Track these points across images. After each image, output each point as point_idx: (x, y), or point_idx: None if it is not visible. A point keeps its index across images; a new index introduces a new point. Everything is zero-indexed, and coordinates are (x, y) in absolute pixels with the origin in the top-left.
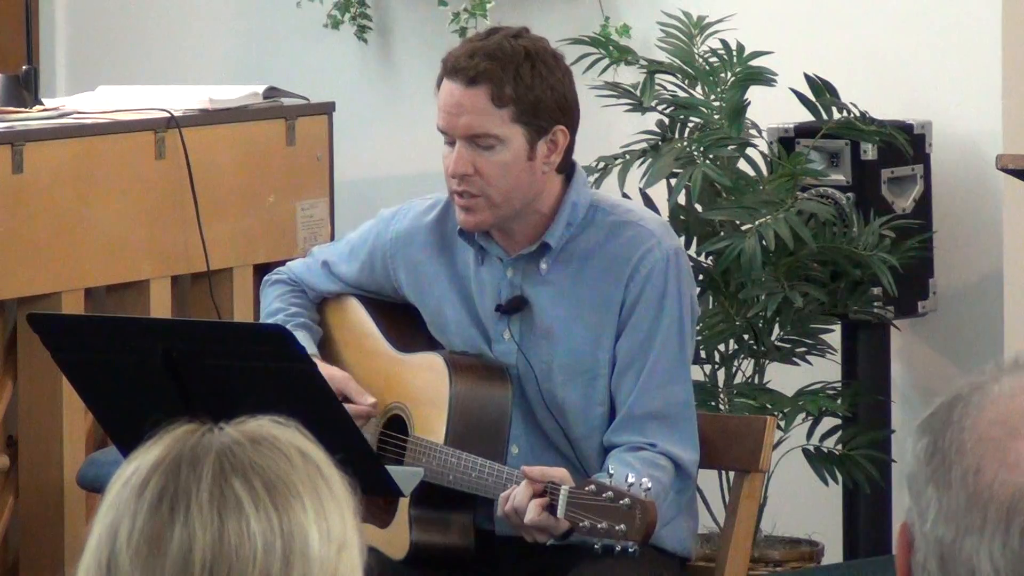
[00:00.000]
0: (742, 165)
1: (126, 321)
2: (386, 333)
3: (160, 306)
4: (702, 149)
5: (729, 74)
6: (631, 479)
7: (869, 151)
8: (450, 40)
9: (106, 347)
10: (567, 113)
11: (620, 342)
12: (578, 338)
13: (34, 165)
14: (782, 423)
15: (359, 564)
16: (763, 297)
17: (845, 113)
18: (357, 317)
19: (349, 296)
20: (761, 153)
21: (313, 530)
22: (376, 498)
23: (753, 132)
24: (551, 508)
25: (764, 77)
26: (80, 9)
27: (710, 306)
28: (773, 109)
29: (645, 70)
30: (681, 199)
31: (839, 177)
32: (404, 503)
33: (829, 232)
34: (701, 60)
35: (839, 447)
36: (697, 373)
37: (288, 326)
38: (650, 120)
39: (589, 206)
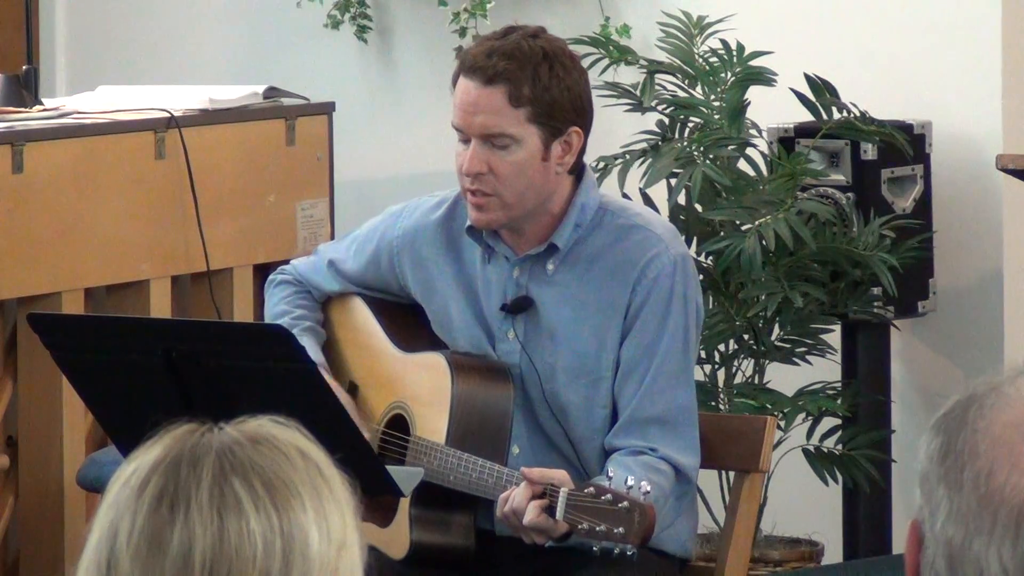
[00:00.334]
0: (742, 165)
1: (126, 321)
2: (389, 332)
3: (160, 306)
4: (702, 149)
5: (729, 74)
6: (630, 482)
7: (869, 151)
8: (450, 40)
9: (106, 347)
10: (582, 114)
11: (624, 346)
12: (582, 340)
13: (34, 165)
14: (782, 423)
15: (359, 564)
16: (763, 297)
17: (845, 113)
18: (361, 316)
19: (353, 295)
20: (761, 153)
21: (313, 530)
22: (377, 497)
23: (753, 132)
24: (550, 510)
25: (764, 77)
26: (80, 9)
27: (710, 306)
28: (773, 109)
29: (645, 70)
30: (681, 199)
31: (839, 177)
32: (404, 503)
33: (829, 232)
34: (701, 60)
35: (839, 447)
36: (697, 373)
37: (294, 331)
38: (650, 120)
39: (598, 208)
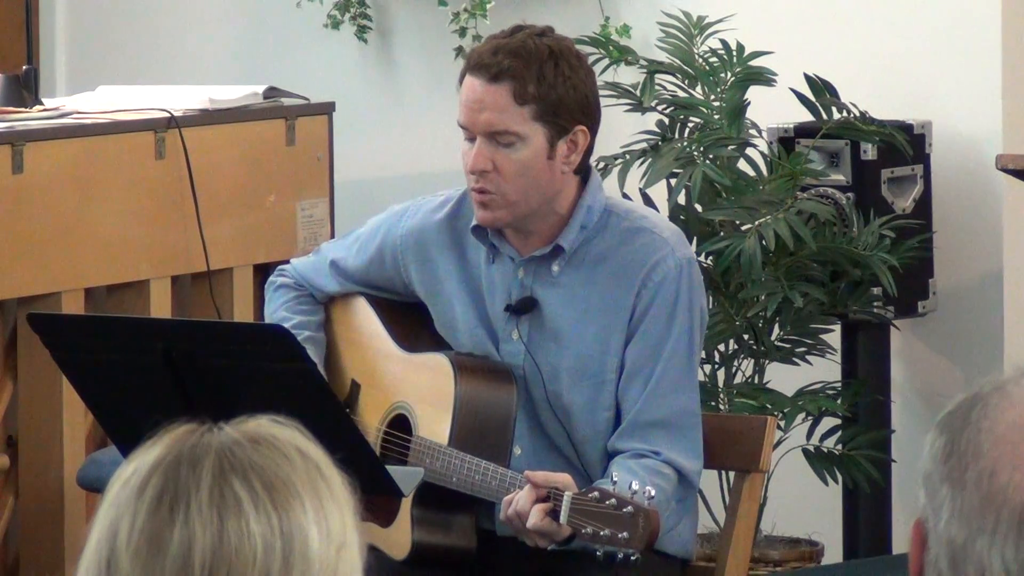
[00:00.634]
0: (742, 165)
1: (126, 321)
2: (392, 332)
3: (160, 306)
4: (702, 149)
5: (729, 74)
6: (635, 486)
7: (869, 151)
8: (450, 40)
9: (106, 347)
10: (588, 114)
11: (629, 348)
12: (586, 342)
13: (34, 165)
14: (782, 423)
15: (359, 564)
16: (763, 297)
17: (845, 113)
18: (364, 316)
19: (356, 295)
20: (761, 153)
21: (313, 530)
22: (378, 497)
23: (753, 132)
24: (554, 514)
25: (764, 77)
26: (80, 9)
27: (710, 306)
28: (773, 109)
29: (645, 70)
30: (681, 199)
31: (839, 177)
32: (406, 503)
33: (829, 232)
34: (701, 60)
35: (839, 447)
36: (697, 373)
37: None
38: (650, 120)
39: (603, 210)
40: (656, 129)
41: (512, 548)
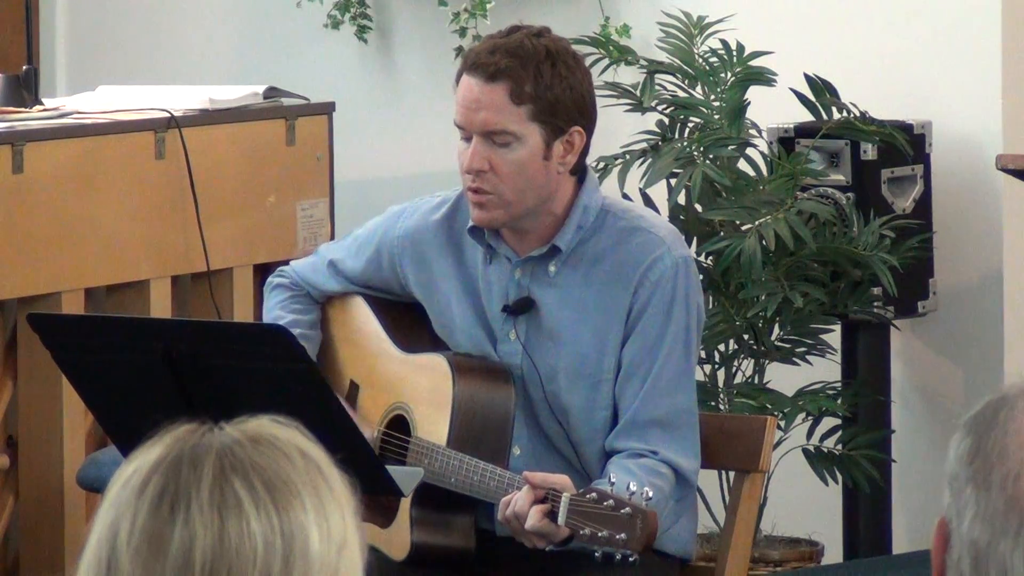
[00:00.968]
0: (742, 165)
1: (126, 321)
2: (391, 333)
3: (160, 306)
4: (702, 149)
5: (729, 74)
6: (633, 487)
7: (869, 151)
8: (450, 40)
9: (106, 347)
10: (585, 114)
11: (626, 348)
12: (583, 342)
13: (34, 165)
14: (782, 423)
15: (359, 564)
16: (763, 297)
17: (845, 113)
18: (362, 316)
19: (354, 295)
20: (761, 153)
21: (313, 530)
22: (377, 498)
23: (753, 132)
24: (552, 515)
25: (764, 77)
26: (80, 9)
27: (710, 306)
28: (773, 109)
29: (645, 70)
30: (681, 199)
31: (839, 177)
32: (405, 503)
33: (829, 232)
34: (701, 60)
35: (839, 447)
36: (697, 373)
37: None
38: (650, 120)
39: (600, 210)
40: (656, 129)
41: (511, 548)
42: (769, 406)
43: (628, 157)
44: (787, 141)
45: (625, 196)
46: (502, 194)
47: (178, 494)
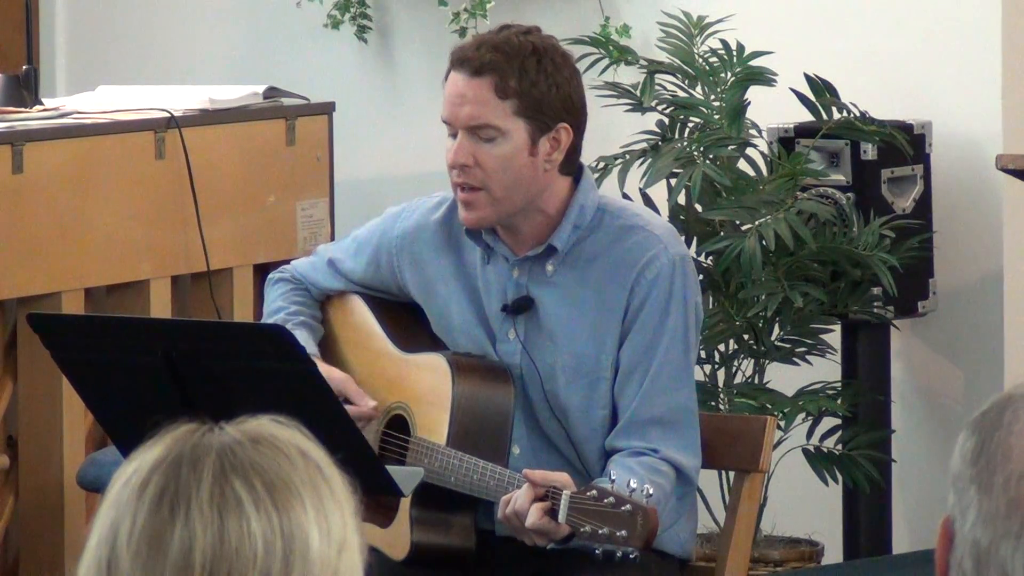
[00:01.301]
0: (742, 165)
1: (126, 321)
2: (389, 332)
3: (160, 306)
4: (702, 149)
5: (729, 74)
6: (633, 484)
7: (869, 151)
8: (450, 40)
9: (106, 347)
10: (572, 112)
11: (624, 347)
12: (582, 341)
13: (34, 165)
14: (782, 423)
15: (359, 564)
16: (763, 297)
17: (845, 113)
18: (361, 316)
19: (353, 295)
20: (761, 153)
21: (313, 530)
22: (377, 498)
23: (753, 132)
24: (552, 512)
25: (764, 77)
26: (80, 9)
27: (710, 306)
28: (773, 109)
29: (645, 70)
30: (681, 199)
31: (839, 177)
32: (405, 503)
33: (829, 232)
34: (701, 60)
35: (839, 447)
36: (697, 373)
37: (288, 325)
38: (650, 120)
39: (596, 209)
40: (656, 129)
41: (511, 548)
42: (769, 406)
43: (628, 157)
44: (787, 141)
45: (625, 196)
46: (490, 190)
47: (178, 494)
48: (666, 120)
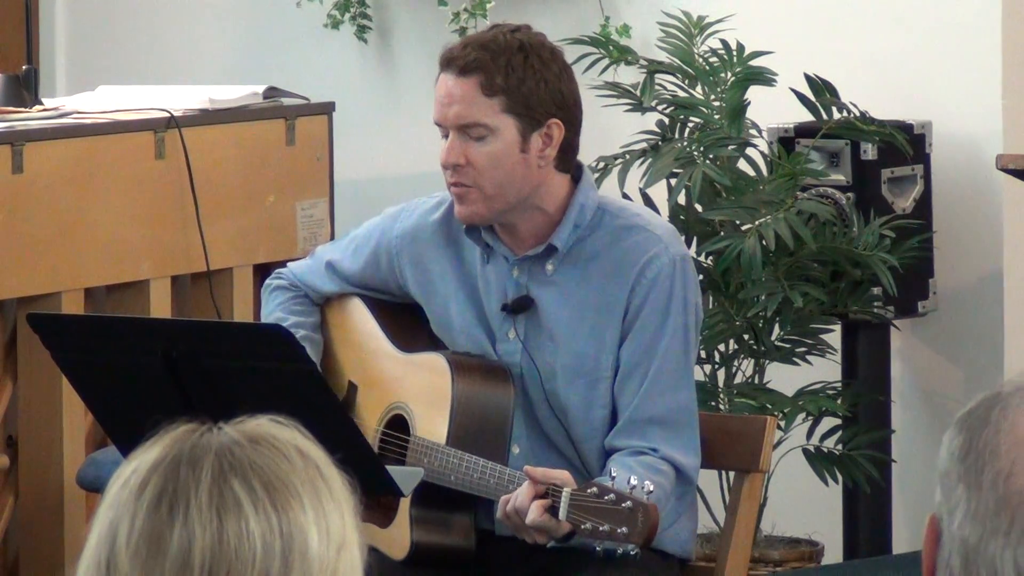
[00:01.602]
0: (742, 165)
1: (126, 321)
2: (389, 333)
3: (160, 306)
4: (702, 149)
5: (729, 74)
6: (633, 482)
7: (869, 151)
8: (450, 40)
9: (106, 347)
10: (563, 108)
11: (624, 346)
12: (582, 340)
13: (34, 165)
14: (782, 423)
15: (359, 564)
16: (763, 297)
17: (845, 113)
18: (360, 316)
19: (352, 296)
20: (761, 153)
21: (312, 530)
22: (377, 498)
23: (753, 132)
24: (553, 510)
25: (764, 77)
26: (80, 9)
27: (710, 306)
28: (773, 109)
29: (645, 70)
30: (681, 199)
31: (839, 177)
32: (405, 503)
33: (829, 232)
34: (701, 60)
35: (839, 447)
36: (697, 373)
37: None
38: (650, 120)
39: (596, 209)
40: (656, 129)
41: (511, 547)
42: (769, 406)
43: (628, 157)
44: (787, 141)
45: (625, 196)
46: (482, 188)
47: (177, 494)
48: (666, 120)
